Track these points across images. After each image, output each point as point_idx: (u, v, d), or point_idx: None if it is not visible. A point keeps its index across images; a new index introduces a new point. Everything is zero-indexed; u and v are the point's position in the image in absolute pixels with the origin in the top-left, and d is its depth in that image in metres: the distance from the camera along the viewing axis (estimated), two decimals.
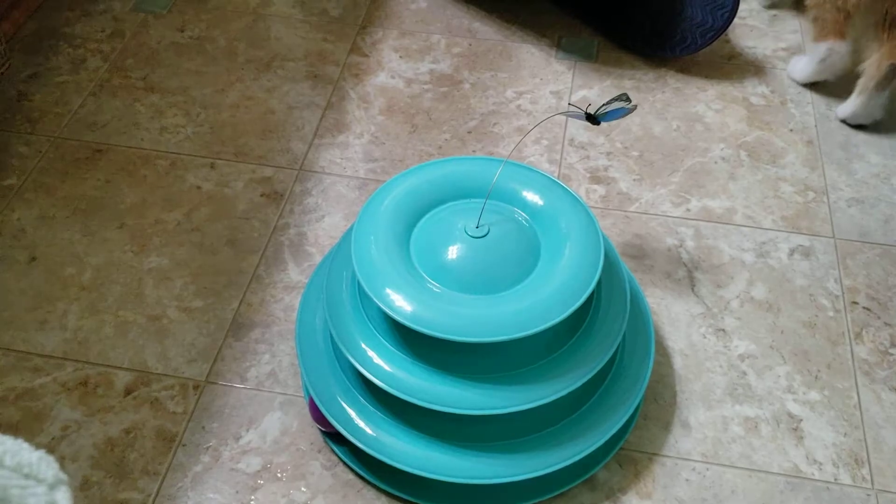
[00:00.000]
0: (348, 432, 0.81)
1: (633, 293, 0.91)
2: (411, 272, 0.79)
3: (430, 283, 0.78)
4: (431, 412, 0.77)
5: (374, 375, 0.78)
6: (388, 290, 0.76)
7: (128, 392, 0.91)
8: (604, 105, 0.85)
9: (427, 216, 0.84)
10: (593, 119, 0.85)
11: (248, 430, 0.88)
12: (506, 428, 0.80)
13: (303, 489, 0.83)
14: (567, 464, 0.79)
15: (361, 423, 0.81)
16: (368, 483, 0.84)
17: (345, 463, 0.85)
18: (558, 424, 0.81)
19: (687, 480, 0.84)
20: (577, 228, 0.81)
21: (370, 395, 0.83)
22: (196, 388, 0.91)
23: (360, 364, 0.79)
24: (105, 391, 0.91)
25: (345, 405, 0.83)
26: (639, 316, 0.91)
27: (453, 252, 0.80)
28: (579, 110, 0.85)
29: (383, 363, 0.79)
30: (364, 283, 0.77)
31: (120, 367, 0.93)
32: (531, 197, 0.85)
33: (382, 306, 0.75)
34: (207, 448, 0.87)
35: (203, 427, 0.88)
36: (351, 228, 0.85)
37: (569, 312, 0.75)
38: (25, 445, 0.40)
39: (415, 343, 0.79)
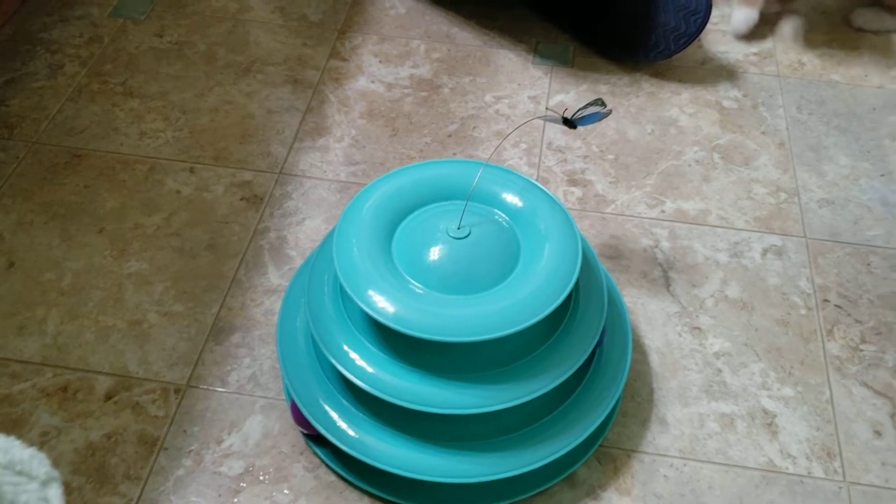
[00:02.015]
0: (330, 434, 0.81)
1: (611, 293, 0.92)
2: (393, 273, 0.79)
3: (413, 283, 0.79)
4: (413, 412, 0.78)
5: (355, 376, 0.79)
6: (371, 292, 0.77)
7: (108, 397, 0.91)
8: (580, 109, 0.86)
9: (409, 218, 0.85)
10: (570, 123, 0.86)
11: (229, 434, 0.88)
12: (487, 427, 0.81)
13: (285, 492, 0.84)
14: (547, 461, 0.80)
15: (343, 425, 0.82)
16: (351, 485, 0.84)
17: (327, 465, 0.85)
18: (538, 422, 0.82)
19: (665, 476, 0.86)
20: (555, 229, 0.83)
21: (352, 396, 0.83)
22: (177, 392, 0.92)
23: (341, 365, 0.79)
24: (85, 396, 0.91)
25: (327, 407, 0.83)
26: (616, 315, 0.92)
27: (435, 253, 0.80)
28: (556, 115, 0.86)
29: (365, 364, 0.79)
30: (346, 284, 0.78)
31: (100, 372, 0.93)
32: (511, 199, 0.86)
33: (365, 307, 0.76)
34: (189, 452, 0.87)
35: (185, 431, 0.88)
36: (332, 231, 0.85)
37: (548, 311, 0.76)
38: (17, 443, 0.41)
39: (396, 344, 0.80)
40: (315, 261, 0.90)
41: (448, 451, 0.80)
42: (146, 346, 0.95)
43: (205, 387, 0.92)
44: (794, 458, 0.88)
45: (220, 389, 0.92)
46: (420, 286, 0.79)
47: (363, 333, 0.81)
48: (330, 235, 0.92)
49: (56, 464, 0.85)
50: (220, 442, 0.88)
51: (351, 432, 0.81)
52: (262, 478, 0.85)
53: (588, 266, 0.88)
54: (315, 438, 0.86)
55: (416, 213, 0.85)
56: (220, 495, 0.84)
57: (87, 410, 0.90)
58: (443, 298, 0.78)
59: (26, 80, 1.27)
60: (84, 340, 0.96)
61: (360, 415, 0.82)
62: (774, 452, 0.88)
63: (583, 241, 0.85)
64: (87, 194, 1.11)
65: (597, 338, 0.82)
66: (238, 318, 0.98)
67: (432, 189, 0.87)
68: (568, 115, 0.86)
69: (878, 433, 0.90)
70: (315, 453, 0.86)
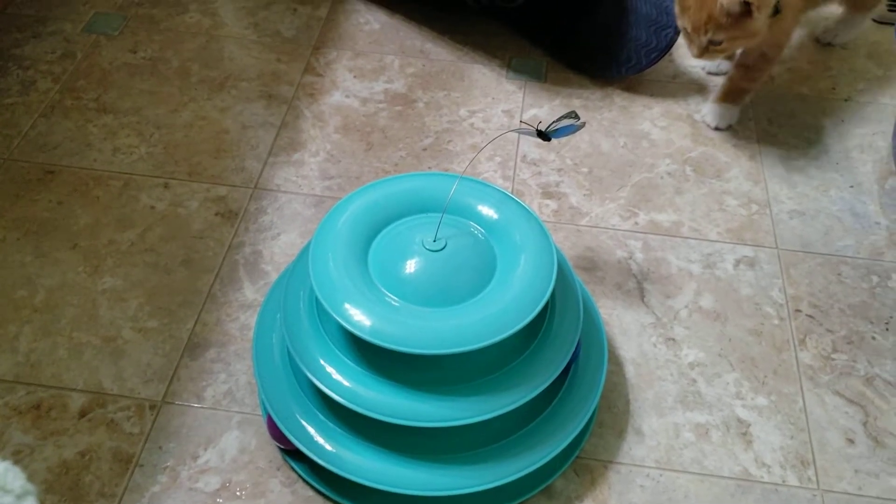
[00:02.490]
0: (307, 449, 0.81)
1: (586, 304, 0.93)
2: (369, 286, 0.79)
3: (389, 296, 0.79)
4: (391, 426, 0.78)
5: (331, 390, 0.79)
6: (347, 305, 0.77)
7: (83, 414, 0.90)
8: (554, 122, 0.87)
9: (385, 231, 0.85)
10: (544, 136, 0.87)
11: (205, 450, 0.88)
12: (464, 439, 0.81)
13: None
14: (525, 473, 0.80)
15: (320, 440, 0.82)
16: (329, 499, 0.84)
17: (304, 480, 0.85)
18: (515, 434, 0.82)
19: (641, 487, 0.86)
20: (531, 241, 0.83)
21: (329, 410, 0.83)
22: (152, 408, 0.91)
23: (317, 379, 0.79)
24: (59, 414, 0.90)
25: (303, 422, 0.83)
26: (592, 326, 0.93)
27: (411, 266, 0.81)
28: (530, 127, 0.87)
29: (341, 378, 0.79)
30: (322, 298, 0.78)
31: (74, 389, 0.92)
32: (486, 211, 0.86)
33: (341, 321, 0.76)
34: (165, 468, 0.86)
35: (160, 447, 0.88)
36: (308, 245, 0.85)
37: (524, 323, 0.76)
38: None
39: (373, 357, 0.80)
40: (290, 275, 0.90)
41: (426, 463, 0.80)
42: (121, 362, 0.95)
43: (180, 403, 0.91)
44: (769, 466, 0.88)
45: (195, 405, 0.91)
46: (396, 299, 0.79)
47: (339, 347, 0.81)
48: (305, 249, 0.92)
49: (29, 482, 0.84)
50: (196, 458, 0.87)
51: (328, 447, 0.81)
52: (238, 493, 0.84)
53: (563, 277, 0.88)
54: (292, 453, 0.86)
55: (392, 225, 0.85)
56: None
57: (61, 428, 0.89)
58: (419, 311, 0.78)
59: None
60: (57, 357, 0.95)
61: (337, 429, 0.82)
62: (749, 461, 0.89)
63: (558, 252, 0.86)
64: (60, 210, 1.10)
65: (572, 349, 0.83)
66: (213, 333, 0.98)
67: (408, 202, 0.87)
68: (542, 127, 0.87)
69: (850, 441, 0.91)
70: (292, 468, 0.86)
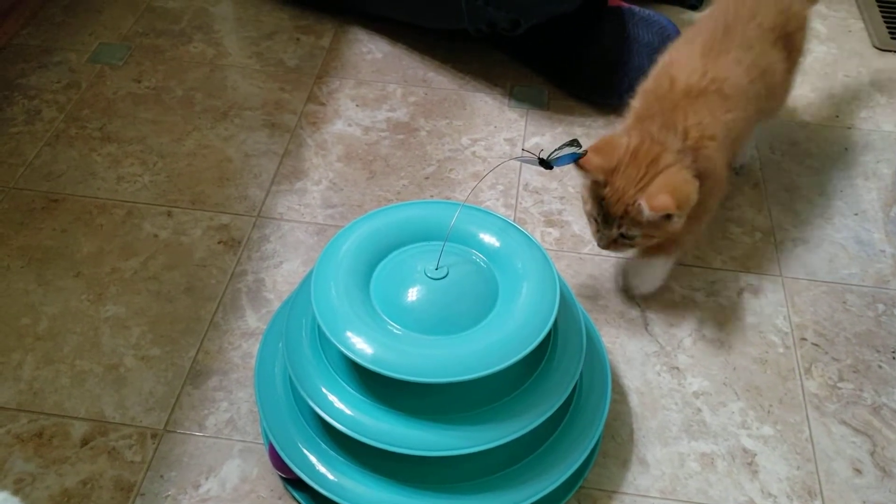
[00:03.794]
0: (310, 478, 0.81)
1: (589, 332, 0.93)
2: (371, 315, 0.79)
3: (391, 324, 0.79)
4: (393, 455, 0.77)
5: (334, 419, 0.78)
6: (349, 333, 0.77)
7: (84, 442, 0.90)
8: (556, 150, 0.87)
9: (386, 259, 0.85)
10: (546, 164, 0.87)
11: (207, 478, 0.87)
12: (467, 469, 0.80)
13: None
14: (529, 503, 0.80)
15: (323, 469, 0.81)
16: None
17: None
18: (518, 464, 0.81)
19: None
20: (533, 269, 0.83)
21: (331, 439, 0.83)
22: (154, 436, 0.90)
23: (320, 408, 0.79)
24: (61, 442, 0.90)
25: (306, 451, 0.82)
26: (595, 355, 0.92)
27: (413, 294, 0.80)
28: (532, 155, 0.87)
29: (344, 407, 0.79)
30: (324, 326, 0.77)
31: (76, 418, 0.92)
32: (488, 239, 0.86)
33: (343, 349, 0.76)
34: (167, 497, 0.86)
35: (162, 476, 0.87)
36: (310, 273, 0.85)
37: (526, 352, 0.76)
38: None
39: (375, 386, 0.79)
40: (293, 303, 0.90)
41: (429, 493, 0.79)
42: (123, 390, 0.94)
43: (182, 431, 0.91)
44: (775, 496, 0.87)
45: (197, 434, 0.91)
46: (398, 327, 0.79)
47: (341, 375, 0.81)
48: (308, 277, 0.91)
49: None
50: (197, 487, 0.86)
51: (330, 476, 0.80)
52: None
53: (566, 306, 0.88)
54: (294, 483, 0.85)
55: (394, 253, 0.85)
56: None
57: (63, 456, 0.88)
58: (421, 339, 0.78)
59: (3, 125, 1.27)
60: (60, 385, 0.94)
61: (340, 458, 0.82)
62: (755, 491, 0.88)
63: (560, 280, 0.85)
64: (63, 238, 1.11)
65: (576, 378, 0.82)
66: (216, 361, 0.97)
67: (410, 230, 0.87)
68: (544, 156, 0.87)
69: (858, 471, 0.90)
70: (294, 498, 0.85)
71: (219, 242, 1.11)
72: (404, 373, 0.74)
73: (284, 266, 1.08)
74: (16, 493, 0.85)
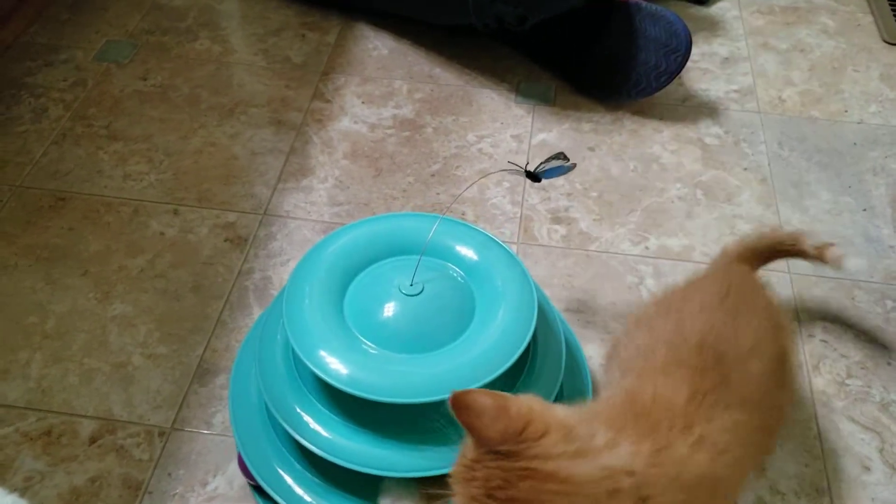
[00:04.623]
0: (285, 501, 0.79)
1: (570, 346, 0.90)
2: (345, 333, 0.77)
3: (365, 343, 0.77)
4: (371, 477, 0.75)
5: (309, 441, 0.76)
6: (322, 353, 0.75)
7: (93, 440, 0.90)
8: (543, 163, 0.86)
9: (362, 274, 0.83)
10: (534, 177, 0.86)
11: (215, 476, 0.87)
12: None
13: None
14: None
15: (300, 491, 0.80)
16: None
17: None
18: None
19: None
20: (511, 286, 0.81)
21: (305, 459, 0.81)
22: (162, 434, 0.91)
23: (294, 430, 0.77)
24: (69, 440, 0.90)
25: (280, 471, 0.81)
26: (575, 366, 0.91)
27: (388, 311, 0.79)
28: (519, 168, 0.86)
29: (319, 428, 0.77)
30: (297, 346, 0.76)
31: (84, 416, 0.92)
32: (467, 253, 0.84)
33: (315, 370, 0.74)
34: (174, 495, 0.86)
35: (169, 474, 0.87)
36: (284, 289, 0.83)
37: (503, 369, 0.74)
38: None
39: (351, 406, 0.77)
40: (267, 318, 0.88)
41: None
42: (130, 388, 0.95)
43: (189, 429, 0.91)
44: (783, 494, 0.87)
45: (205, 432, 0.91)
46: (373, 345, 0.77)
47: (316, 395, 0.79)
48: (282, 293, 0.89)
49: None
50: (205, 485, 0.87)
51: (308, 498, 0.79)
52: None
53: (545, 321, 0.86)
54: (260, 489, 0.84)
55: (370, 268, 0.83)
56: None
57: (71, 454, 0.89)
58: (396, 358, 0.76)
59: (10, 124, 1.27)
60: (68, 384, 0.95)
61: (317, 480, 0.80)
62: (763, 489, 0.88)
63: (539, 293, 0.84)
64: (71, 237, 1.11)
65: (555, 392, 0.81)
66: (223, 359, 0.98)
67: (387, 244, 0.85)
68: (530, 168, 0.86)
69: (866, 468, 0.90)
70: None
71: (225, 240, 1.11)
72: (379, 394, 0.72)
73: (291, 264, 1.08)
74: (25, 491, 0.86)
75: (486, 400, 0.59)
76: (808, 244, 0.93)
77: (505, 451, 0.58)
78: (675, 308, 0.78)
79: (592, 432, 0.60)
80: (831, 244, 0.92)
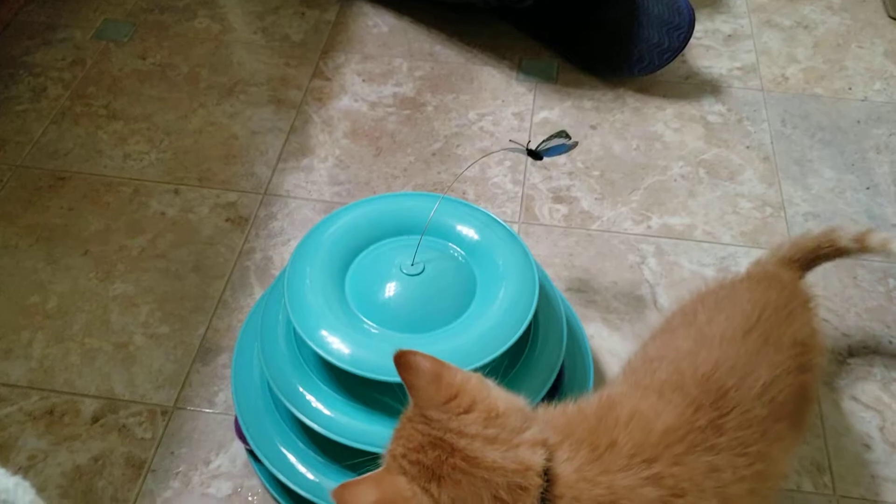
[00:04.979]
0: (289, 480, 0.79)
1: (571, 325, 0.90)
2: (347, 312, 0.77)
3: (367, 322, 0.77)
4: (373, 455, 0.75)
5: (311, 420, 0.76)
6: (324, 332, 0.75)
7: (95, 420, 0.90)
8: (544, 141, 0.86)
9: (363, 254, 0.83)
10: (535, 155, 0.86)
11: (217, 455, 0.88)
12: None
13: None
14: None
15: (302, 468, 0.80)
16: None
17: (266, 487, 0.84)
18: None
19: None
20: (513, 265, 0.81)
21: (307, 437, 0.81)
22: (164, 413, 0.91)
23: (296, 408, 0.77)
24: (72, 419, 0.90)
25: (284, 450, 0.81)
26: (576, 347, 0.91)
27: (389, 290, 0.79)
28: (520, 146, 0.86)
29: (322, 407, 0.77)
30: (298, 326, 0.76)
31: (86, 395, 0.92)
32: (468, 233, 0.84)
33: (317, 349, 0.74)
34: (177, 473, 0.86)
35: (172, 453, 0.88)
36: (286, 268, 0.83)
37: (504, 349, 0.74)
38: (1, 471, 0.40)
39: (352, 384, 0.77)
40: (269, 298, 0.88)
41: None
42: (132, 368, 0.95)
43: (192, 408, 0.91)
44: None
45: (207, 410, 0.91)
46: (374, 325, 0.77)
47: (317, 374, 0.79)
48: (284, 273, 0.90)
49: (43, 487, 0.85)
50: (207, 463, 0.87)
51: (310, 476, 0.79)
52: (250, 498, 0.84)
53: (547, 300, 0.86)
54: (255, 456, 0.84)
55: (371, 248, 0.83)
56: None
57: (74, 433, 0.89)
58: (397, 337, 0.76)
59: (9, 103, 1.27)
60: (70, 363, 0.95)
61: (319, 458, 0.80)
62: None
63: (541, 272, 0.84)
64: (71, 217, 1.11)
65: (555, 373, 0.81)
66: (225, 338, 0.98)
67: (389, 223, 0.85)
68: (532, 146, 0.86)
69: (867, 446, 0.90)
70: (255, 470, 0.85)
71: (226, 220, 1.11)
72: (380, 373, 0.72)
73: (292, 244, 1.08)
74: (28, 469, 0.86)
75: (426, 363, 0.60)
76: (845, 238, 0.86)
77: (428, 417, 0.58)
78: (698, 326, 0.74)
79: (525, 426, 0.59)
80: (870, 230, 0.87)
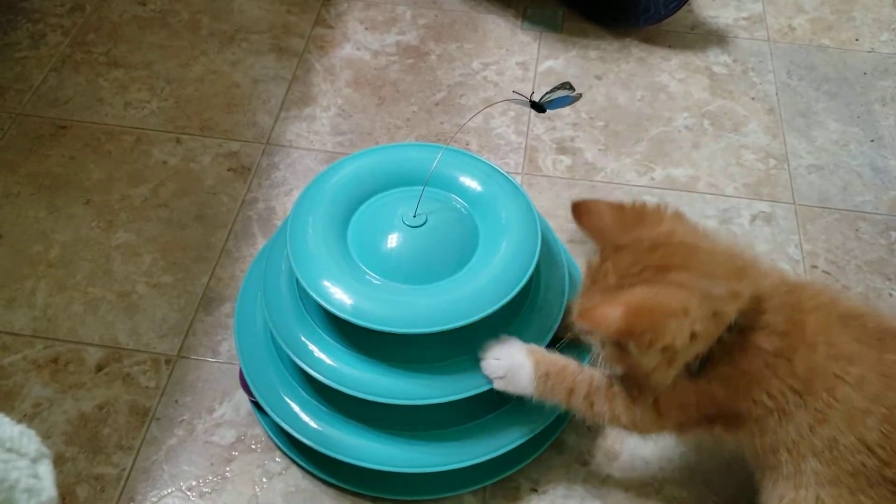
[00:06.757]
0: (292, 427, 0.80)
1: (573, 277, 0.90)
2: (349, 263, 0.77)
3: (369, 273, 0.77)
4: (376, 405, 0.76)
5: (314, 369, 0.77)
6: (326, 283, 0.75)
7: (99, 368, 0.91)
8: (548, 93, 0.85)
9: (365, 205, 0.83)
10: (538, 107, 0.85)
11: (221, 403, 0.89)
12: (455, 414, 0.80)
13: (277, 459, 0.84)
14: (512, 447, 0.79)
15: (305, 418, 0.80)
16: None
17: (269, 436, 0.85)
18: (501, 409, 0.81)
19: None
20: (515, 217, 0.81)
21: (311, 388, 0.82)
22: (168, 362, 0.92)
23: (299, 358, 0.78)
24: (76, 368, 0.91)
25: (287, 399, 0.82)
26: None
27: (391, 242, 0.79)
28: (524, 98, 0.85)
29: (324, 356, 0.78)
30: (301, 276, 0.76)
31: (91, 344, 0.93)
32: (471, 184, 0.84)
33: (320, 300, 0.74)
34: (181, 422, 0.87)
35: (176, 401, 0.89)
36: (287, 220, 0.83)
37: (506, 300, 0.75)
38: (6, 420, 0.40)
39: (354, 335, 0.78)
40: (271, 248, 0.88)
41: (408, 439, 0.78)
42: (136, 317, 0.95)
43: (196, 357, 0.92)
44: None
45: (210, 359, 0.92)
46: (377, 276, 0.77)
47: (320, 325, 0.79)
48: (286, 223, 0.90)
49: (49, 434, 0.86)
50: (211, 411, 0.88)
51: (313, 424, 0.80)
52: (254, 446, 0.85)
53: (549, 251, 0.86)
54: (260, 408, 0.85)
55: (374, 199, 0.83)
56: (212, 464, 0.84)
57: (79, 382, 0.90)
58: (400, 288, 0.76)
59: (8, 50, 1.25)
60: (73, 312, 0.95)
61: (322, 407, 0.81)
62: None
63: (543, 224, 0.83)
64: (72, 166, 1.10)
65: (557, 324, 0.81)
66: (228, 288, 0.98)
67: (391, 174, 0.84)
68: (536, 98, 0.85)
69: None
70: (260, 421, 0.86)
71: (228, 170, 1.10)
72: (383, 324, 0.73)
73: (294, 194, 1.08)
74: (34, 417, 0.87)
75: (602, 204, 0.71)
76: None
77: (626, 243, 0.68)
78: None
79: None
80: None
